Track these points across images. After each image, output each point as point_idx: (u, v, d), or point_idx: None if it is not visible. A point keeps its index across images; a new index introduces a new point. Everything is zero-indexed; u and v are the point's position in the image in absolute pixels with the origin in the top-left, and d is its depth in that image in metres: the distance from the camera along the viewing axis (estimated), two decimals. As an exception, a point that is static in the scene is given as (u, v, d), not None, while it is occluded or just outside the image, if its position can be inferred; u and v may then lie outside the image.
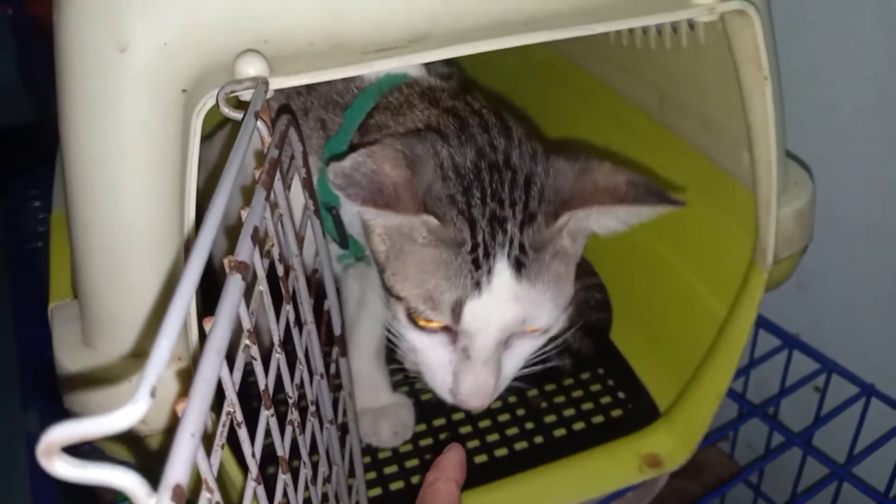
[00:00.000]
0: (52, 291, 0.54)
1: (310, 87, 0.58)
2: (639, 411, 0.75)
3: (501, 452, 0.73)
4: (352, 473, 0.58)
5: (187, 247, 0.43)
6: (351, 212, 0.57)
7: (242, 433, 0.29)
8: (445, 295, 0.47)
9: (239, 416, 0.29)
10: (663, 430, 0.68)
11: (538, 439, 0.74)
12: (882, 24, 0.68)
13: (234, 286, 0.28)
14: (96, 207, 0.45)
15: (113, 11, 0.42)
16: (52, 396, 0.81)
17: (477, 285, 0.47)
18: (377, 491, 0.70)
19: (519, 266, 0.48)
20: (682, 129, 0.70)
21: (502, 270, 0.48)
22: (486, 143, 0.51)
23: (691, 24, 0.61)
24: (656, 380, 0.77)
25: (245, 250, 0.31)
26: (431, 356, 0.51)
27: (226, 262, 0.30)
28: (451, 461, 0.49)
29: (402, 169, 0.46)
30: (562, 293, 0.51)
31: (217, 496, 0.25)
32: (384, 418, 0.74)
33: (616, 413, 0.76)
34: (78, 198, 0.46)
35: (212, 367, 0.25)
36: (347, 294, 0.75)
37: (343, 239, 0.59)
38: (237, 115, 0.36)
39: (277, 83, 0.40)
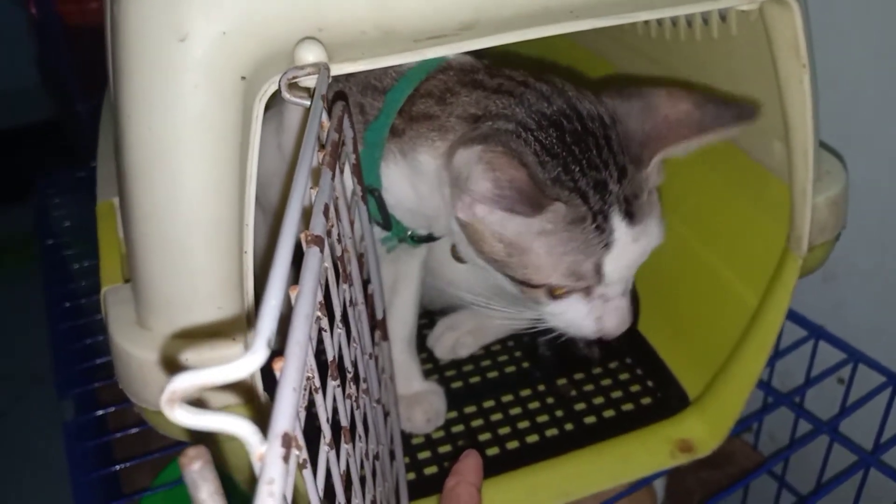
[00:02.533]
0: (103, 276, 0.55)
1: (348, 73, 0.59)
2: (668, 399, 0.76)
3: (533, 439, 0.74)
4: (391, 455, 0.59)
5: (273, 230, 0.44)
6: (402, 195, 0.58)
7: (318, 399, 0.31)
8: (584, 266, 0.53)
9: (317, 382, 0.30)
10: (695, 416, 0.69)
11: (569, 426, 0.75)
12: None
13: (313, 258, 0.30)
14: (155, 196, 0.46)
15: (172, 2, 0.43)
16: (87, 383, 0.84)
17: (606, 245, 0.52)
18: (411, 476, 0.71)
19: (630, 216, 0.53)
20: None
21: (619, 224, 0.53)
22: (559, 114, 0.53)
23: (722, 16, 0.62)
24: (685, 369, 0.78)
25: (319, 226, 0.32)
26: (573, 315, 0.56)
27: (302, 237, 0.31)
28: (469, 466, 0.52)
29: (518, 168, 0.48)
30: (660, 214, 0.56)
31: (304, 454, 0.26)
32: (417, 405, 0.75)
33: (646, 401, 0.77)
34: (136, 187, 0.47)
35: (302, 331, 0.26)
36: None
37: (386, 220, 0.60)
38: (305, 102, 0.37)
39: (337, 69, 0.41)
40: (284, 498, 0.22)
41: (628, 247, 0.53)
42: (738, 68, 0.63)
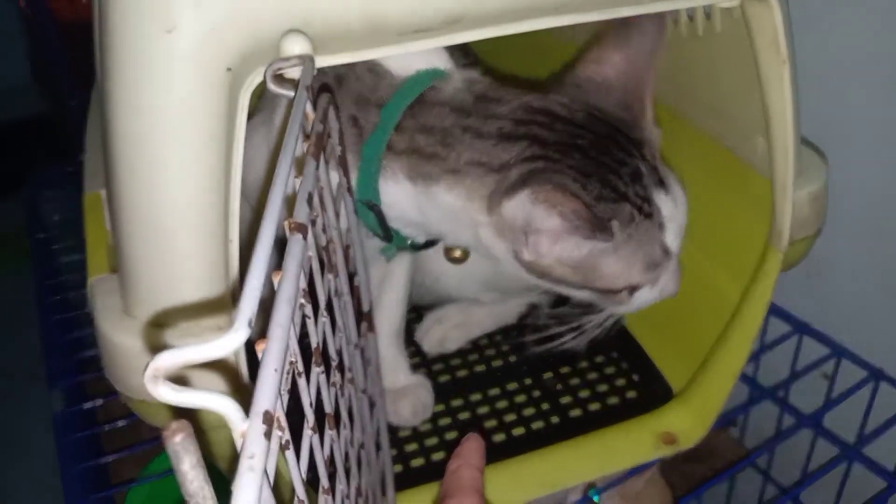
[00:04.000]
0: (90, 267, 0.56)
1: (339, 83, 0.58)
2: (653, 393, 0.77)
3: (519, 431, 0.75)
4: (377, 446, 0.60)
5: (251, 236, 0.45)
6: (407, 213, 0.58)
7: (301, 383, 0.31)
8: (654, 255, 0.54)
9: (300, 367, 0.31)
10: (679, 409, 0.70)
11: (554, 419, 0.76)
12: (893, 9, 0.69)
13: (295, 245, 0.30)
14: (141, 185, 0.46)
15: (160, -7, 0.44)
16: (76, 375, 0.84)
17: (660, 226, 0.54)
18: (398, 468, 0.72)
19: (661, 184, 0.54)
20: (695, 116, 0.72)
21: (660, 200, 0.54)
22: (568, 134, 0.53)
23: (707, 13, 0.63)
24: (670, 363, 0.79)
25: (302, 213, 0.32)
26: (644, 297, 0.57)
27: (286, 224, 0.32)
28: (472, 449, 0.51)
29: (573, 200, 0.49)
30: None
31: (287, 434, 0.27)
32: (404, 398, 0.76)
33: (631, 394, 0.78)
34: (122, 177, 0.47)
35: (284, 314, 0.26)
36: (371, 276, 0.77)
37: (387, 233, 0.61)
38: (289, 93, 0.38)
39: (322, 61, 0.42)
40: (266, 474, 0.22)
41: (674, 214, 0.54)
42: (722, 65, 0.64)
